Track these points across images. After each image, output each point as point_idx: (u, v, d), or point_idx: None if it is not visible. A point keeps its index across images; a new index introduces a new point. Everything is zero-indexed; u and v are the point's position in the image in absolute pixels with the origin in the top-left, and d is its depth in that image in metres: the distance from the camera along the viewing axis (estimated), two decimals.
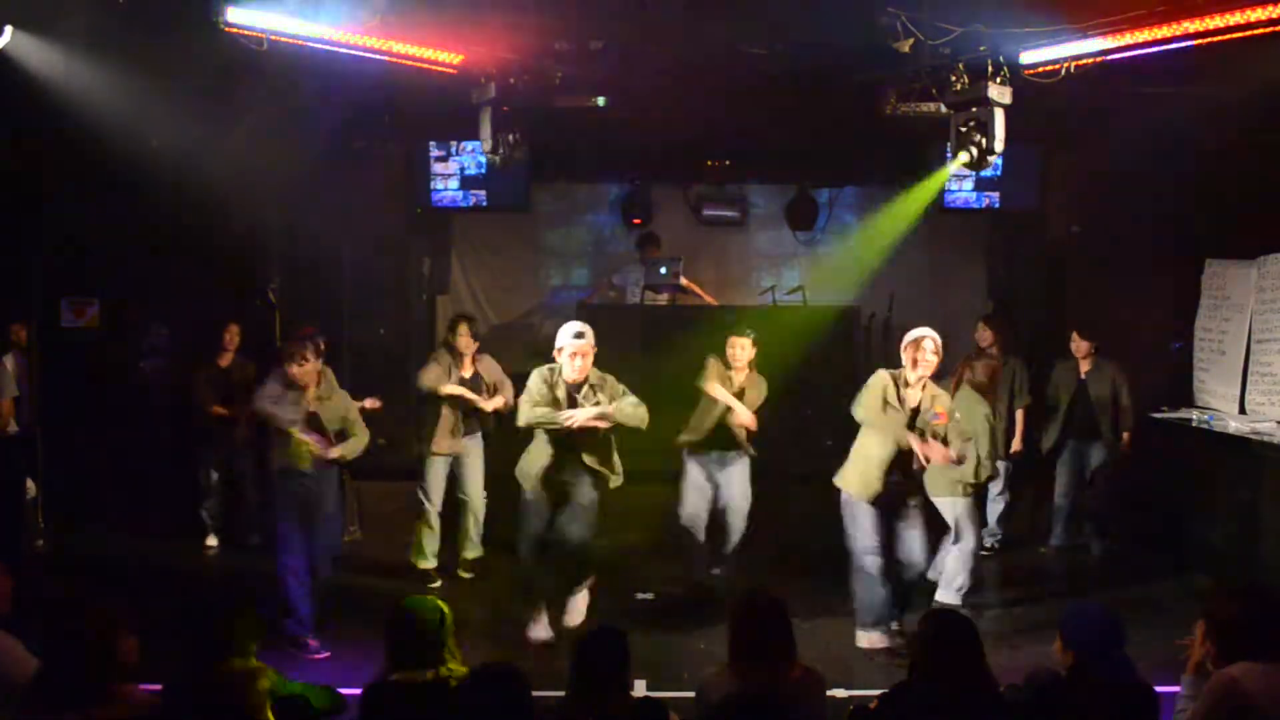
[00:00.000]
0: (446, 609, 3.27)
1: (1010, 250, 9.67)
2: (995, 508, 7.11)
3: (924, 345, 5.31)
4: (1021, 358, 7.32)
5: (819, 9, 5.71)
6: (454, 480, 6.65)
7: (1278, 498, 6.13)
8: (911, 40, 5.53)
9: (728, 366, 6.21)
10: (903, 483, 5.38)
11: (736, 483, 6.32)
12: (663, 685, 4.66)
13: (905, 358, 5.38)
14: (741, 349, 6.19)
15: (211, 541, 7.37)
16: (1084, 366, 7.02)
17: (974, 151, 5.88)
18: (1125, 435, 6.99)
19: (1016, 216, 9.30)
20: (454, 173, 9.01)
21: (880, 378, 5.39)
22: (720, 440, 6.24)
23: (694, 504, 6.27)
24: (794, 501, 7.53)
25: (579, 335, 5.42)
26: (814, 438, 7.19)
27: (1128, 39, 5.19)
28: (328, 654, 5.37)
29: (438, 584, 6.50)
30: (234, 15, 4.97)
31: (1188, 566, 6.76)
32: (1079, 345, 7.02)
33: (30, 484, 6.89)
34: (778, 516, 7.40)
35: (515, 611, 5.73)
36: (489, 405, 6.53)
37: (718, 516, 6.37)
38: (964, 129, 5.90)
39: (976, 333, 7.28)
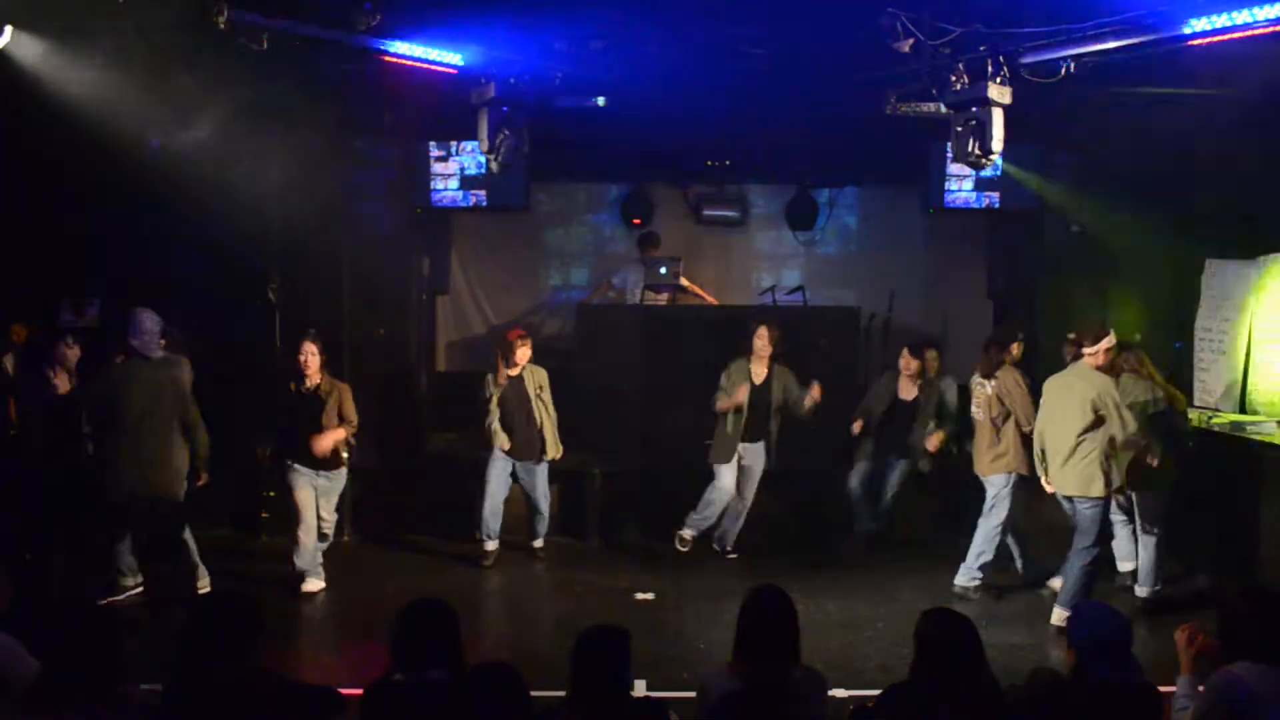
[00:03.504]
0: (453, 609, 3.26)
1: (1010, 250, 9.67)
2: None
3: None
4: (953, 381, 7.17)
5: (819, 9, 5.71)
6: None
7: (1278, 498, 6.13)
8: (911, 40, 5.53)
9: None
10: None
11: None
12: (663, 685, 4.66)
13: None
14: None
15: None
16: None
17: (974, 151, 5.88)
18: None
19: (1016, 216, 9.30)
20: (454, 173, 9.01)
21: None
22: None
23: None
24: (794, 500, 7.54)
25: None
26: (815, 437, 7.18)
27: (1128, 39, 5.18)
28: None
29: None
30: (234, 15, 4.97)
31: (1188, 566, 6.76)
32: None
33: None
34: (779, 515, 7.42)
35: (516, 612, 5.72)
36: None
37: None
38: (964, 129, 5.90)
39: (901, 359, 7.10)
